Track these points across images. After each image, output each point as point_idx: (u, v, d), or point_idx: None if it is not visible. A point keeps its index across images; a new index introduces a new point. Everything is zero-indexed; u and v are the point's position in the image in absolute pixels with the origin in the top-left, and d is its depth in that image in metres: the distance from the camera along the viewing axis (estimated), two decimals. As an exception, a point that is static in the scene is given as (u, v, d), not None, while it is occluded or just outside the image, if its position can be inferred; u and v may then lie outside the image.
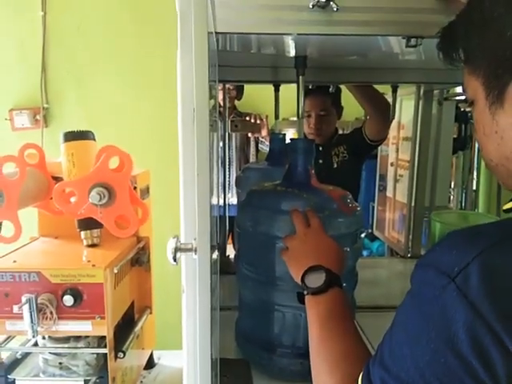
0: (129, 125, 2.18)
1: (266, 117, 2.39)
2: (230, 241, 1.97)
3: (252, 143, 2.66)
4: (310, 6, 0.65)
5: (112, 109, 2.19)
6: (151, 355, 1.25)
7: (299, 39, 0.76)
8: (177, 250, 0.47)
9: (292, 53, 0.95)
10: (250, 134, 2.60)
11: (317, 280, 0.65)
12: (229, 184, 2.15)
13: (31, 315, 0.84)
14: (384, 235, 2.27)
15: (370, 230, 2.54)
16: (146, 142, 2.13)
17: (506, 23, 0.46)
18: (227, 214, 1.70)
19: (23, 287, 0.86)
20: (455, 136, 2.18)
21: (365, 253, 2.61)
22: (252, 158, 2.66)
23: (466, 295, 0.39)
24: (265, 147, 2.60)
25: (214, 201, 1.23)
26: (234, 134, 2.53)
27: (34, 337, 0.88)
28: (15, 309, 0.86)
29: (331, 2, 0.64)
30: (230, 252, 1.63)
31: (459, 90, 1.76)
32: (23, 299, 0.84)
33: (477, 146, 2.35)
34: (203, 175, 0.44)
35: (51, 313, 0.86)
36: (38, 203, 1.01)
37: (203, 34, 0.47)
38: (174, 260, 0.47)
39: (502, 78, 0.47)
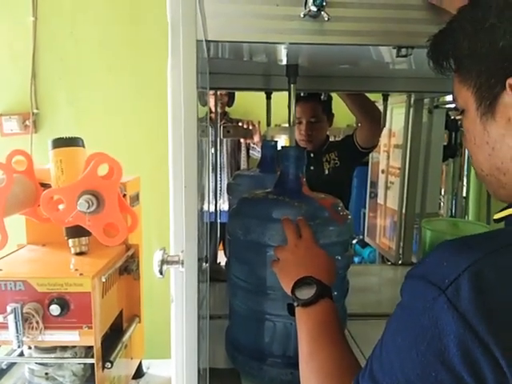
0: (120, 131, 2.16)
1: (259, 123, 2.39)
2: (221, 247, 1.96)
3: (243, 149, 2.66)
4: (302, 16, 0.65)
5: (103, 115, 2.17)
6: (140, 364, 1.23)
7: (291, 48, 0.76)
8: (163, 262, 0.46)
9: (284, 61, 0.95)
10: (241, 140, 2.59)
11: (307, 292, 0.64)
12: (220, 190, 2.14)
13: (16, 325, 0.83)
14: (375, 242, 2.28)
15: (361, 237, 2.55)
16: (138, 149, 2.11)
17: (499, 33, 0.46)
18: (218, 221, 1.69)
19: (9, 296, 0.85)
20: (445, 143, 2.20)
21: (356, 259, 2.62)
22: (243, 164, 2.65)
23: (457, 307, 0.38)
24: (256, 153, 2.60)
25: (206, 207, 1.22)
26: (225, 140, 2.52)
27: (19, 347, 0.87)
28: (0, 318, 0.84)
29: (322, 12, 0.64)
30: (221, 259, 1.62)
31: (449, 98, 1.78)
32: (8, 309, 0.83)
33: (467, 153, 2.37)
34: (191, 188, 0.43)
35: (37, 322, 0.84)
36: (25, 210, 0.99)
37: (191, 42, 0.46)
38: (161, 273, 0.46)
39: (493, 89, 0.47)
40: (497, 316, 0.38)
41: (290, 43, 0.69)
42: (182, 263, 0.45)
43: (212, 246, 1.64)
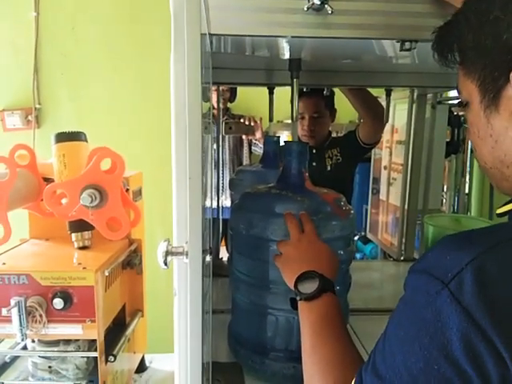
0: (122, 126, 2.17)
1: (260, 119, 2.39)
2: (223, 243, 1.96)
3: (245, 145, 2.66)
4: (305, 9, 0.64)
5: (105, 110, 2.17)
6: (143, 358, 1.24)
7: (293, 42, 0.76)
8: (168, 253, 0.46)
9: (286, 55, 0.95)
10: (243, 136, 2.59)
11: (310, 286, 0.64)
12: (222, 186, 2.14)
13: (20, 318, 0.83)
14: (377, 238, 2.28)
15: (363, 233, 2.55)
16: (140, 144, 2.12)
17: (503, 26, 0.46)
18: (221, 217, 1.69)
19: (12, 290, 0.85)
20: (448, 140, 2.19)
21: (358, 255, 2.62)
22: (245, 160, 2.65)
23: (460, 301, 0.38)
24: (258, 149, 2.60)
25: (208, 203, 1.22)
26: (227, 136, 2.52)
27: (22, 340, 0.87)
28: (4, 312, 0.85)
29: (326, 5, 0.64)
30: (224, 254, 1.62)
31: (452, 93, 1.77)
32: (12, 302, 0.83)
33: (469, 149, 2.37)
34: (195, 179, 0.43)
35: (41, 316, 0.85)
36: (28, 205, 0.99)
37: (196, 35, 0.46)
38: (165, 264, 0.46)
39: (497, 81, 0.47)
40: (499, 310, 0.38)
41: (293, 36, 0.68)
42: (187, 254, 0.45)
43: (214, 241, 1.64)
